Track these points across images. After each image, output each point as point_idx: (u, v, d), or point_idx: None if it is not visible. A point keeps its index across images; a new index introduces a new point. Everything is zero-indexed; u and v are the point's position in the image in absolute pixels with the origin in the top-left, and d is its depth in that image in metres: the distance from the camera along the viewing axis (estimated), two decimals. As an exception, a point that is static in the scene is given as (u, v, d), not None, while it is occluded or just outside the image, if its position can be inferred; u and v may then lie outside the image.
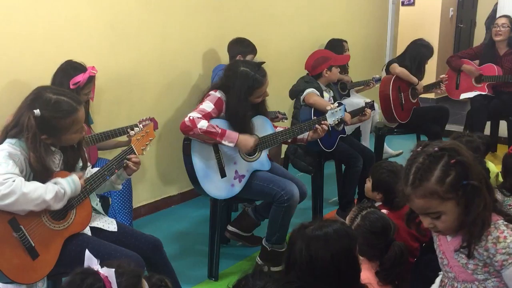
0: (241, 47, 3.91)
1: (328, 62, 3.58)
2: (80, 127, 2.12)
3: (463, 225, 1.54)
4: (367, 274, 1.97)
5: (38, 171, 2.00)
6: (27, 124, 1.98)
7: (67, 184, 2.04)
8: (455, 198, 1.50)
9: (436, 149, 1.52)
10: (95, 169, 2.28)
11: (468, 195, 1.50)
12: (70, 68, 2.87)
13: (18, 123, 2.02)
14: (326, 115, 3.18)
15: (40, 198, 1.93)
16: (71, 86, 2.79)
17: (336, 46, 4.67)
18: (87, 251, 1.37)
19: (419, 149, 1.56)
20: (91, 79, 2.91)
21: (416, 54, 4.36)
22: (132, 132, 2.42)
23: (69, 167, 2.16)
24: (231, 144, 2.75)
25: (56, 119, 2.02)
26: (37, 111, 1.99)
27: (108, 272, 1.26)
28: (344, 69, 4.78)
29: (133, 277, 1.32)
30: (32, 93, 2.09)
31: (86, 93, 2.92)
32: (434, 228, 1.58)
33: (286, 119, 3.89)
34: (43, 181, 2.00)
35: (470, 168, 1.50)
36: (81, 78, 2.83)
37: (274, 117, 3.79)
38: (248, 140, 2.81)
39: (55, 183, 2.01)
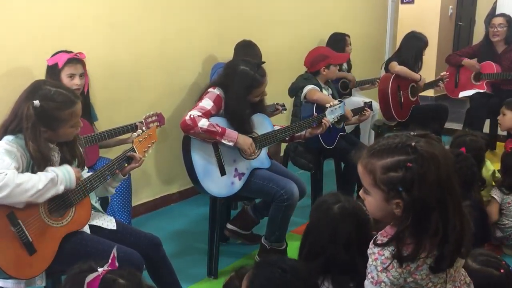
0: (252, 52, 3.84)
1: (326, 61, 3.58)
2: (77, 122, 2.12)
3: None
4: None
5: (38, 162, 1.99)
6: (26, 114, 1.98)
7: (59, 170, 2.03)
8: (385, 193, 1.45)
9: (413, 144, 1.44)
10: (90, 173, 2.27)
11: (403, 202, 1.43)
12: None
13: (16, 115, 2.03)
14: (326, 112, 3.19)
15: (34, 188, 1.92)
16: (48, 62, 2.79)
17: (339, 40, 4.64)
18: (114, 249, 1.35)
19: (413, 133, 1.49)
20: (71, 60, 2.83)
21: (410, 47, 4.38)
22: (134, 134, 2.42)
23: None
24: (231, 143, 2.75)
25: (55, 110, 2.03)
26: (36, 102, 2.00)
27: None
28: (348, 66, 4.79)
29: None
30: (30, 86, 2.09)
31: (69, 75, 2.82)
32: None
33: (285, 109, 3.88)
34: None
35: (418, 184, 1.39)
36: (59, 57, 2.80)
37: (274, 110, 3.79)
38: (246, 138, 2.82)
39: (46, 171, 2.00)
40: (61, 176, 2.02)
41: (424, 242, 1.43)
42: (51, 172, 2.00)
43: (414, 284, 1.49)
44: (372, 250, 1.50)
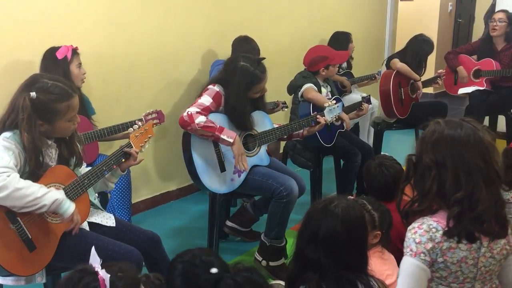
0: (249, 47, 3.82)
1: (325, 62, 3.57)
2: (74, 116, 2.12)
3: None
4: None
5: (30, 153, 1.98)
6: (22, 105, 1.98)
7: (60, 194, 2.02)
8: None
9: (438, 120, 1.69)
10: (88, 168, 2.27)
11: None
12: (53, 51, 2.90)
13: (14, 109, 2.02)
14: (324, 111, 3.18)
15: (33, 195, 1.92)
16: (58, 55, 2.85)
17: (341, 39, 4.60)
18: (93, 249, 1.37)
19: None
20: (75, 52, 2.96)
21: (417, 49, 4.37)
22: (130, 129, 2.42)
23: (63, 162, 2.15)
24: (230, 140, 2.74)
25: (51, 102, 2.03)
26: (33, 94, 2.00)
27: (105, 276, 1.26)
28: (348, 65, 4.77)
29: (131, 285, 1.31)
30: (27, 79, 2.09)
31: (78, 66, 2.95)
32: None
33: (287, 107, 3.88)
34: (36, 168, 2.01)
35: (419, 144, 1.68)
36: (65, 49, 2.90)
37: (275, 106, 3.77)
38: (242, 147, 2.80)
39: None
40: (61, 191, 2.02)
41: (426, 198, 1.62)
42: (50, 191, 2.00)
43: (443, 265, 1.59)
44: (412, 225, 1.62)
